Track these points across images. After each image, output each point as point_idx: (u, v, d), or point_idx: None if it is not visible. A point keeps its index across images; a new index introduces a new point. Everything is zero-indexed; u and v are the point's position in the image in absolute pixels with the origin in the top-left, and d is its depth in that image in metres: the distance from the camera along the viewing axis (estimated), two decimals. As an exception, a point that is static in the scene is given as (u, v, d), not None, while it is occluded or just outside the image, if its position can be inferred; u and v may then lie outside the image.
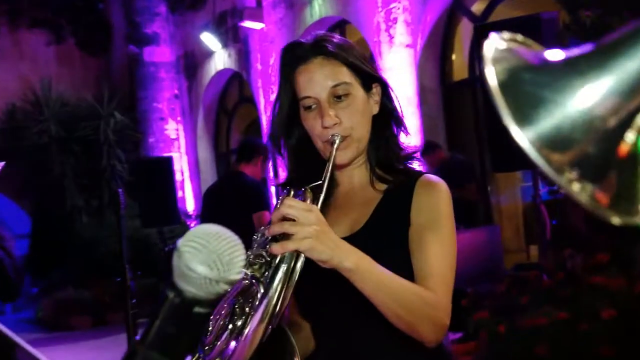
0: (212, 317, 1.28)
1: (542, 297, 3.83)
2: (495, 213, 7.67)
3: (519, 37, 0.68)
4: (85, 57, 12.21)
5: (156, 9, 11.42)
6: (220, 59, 10.75)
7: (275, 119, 1.60)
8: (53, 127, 10.73)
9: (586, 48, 0.63)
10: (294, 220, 1.26)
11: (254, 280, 1.29)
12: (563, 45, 4.33)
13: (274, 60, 9.53)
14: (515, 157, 4.19)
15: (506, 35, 0.67)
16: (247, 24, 9.61)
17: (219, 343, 1.27)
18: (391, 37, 7.60)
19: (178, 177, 10.55)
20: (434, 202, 1.48)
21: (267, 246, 1.30)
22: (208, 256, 0.83)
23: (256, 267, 1.28)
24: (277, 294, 1.26)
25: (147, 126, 11.29)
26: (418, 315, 1.33)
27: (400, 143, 1.60)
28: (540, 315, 3.60)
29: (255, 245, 1.32)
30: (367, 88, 1.56)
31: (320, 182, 1.41)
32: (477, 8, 7.33)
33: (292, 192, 1.38)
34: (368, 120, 1.56)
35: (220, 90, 11.35)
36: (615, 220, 0.59)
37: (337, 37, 1.58)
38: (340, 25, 8.90)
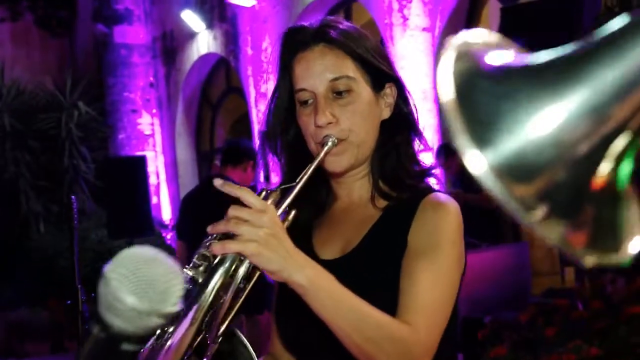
0: None
1: (572, 329, 3.87)
2: (523, 228, 7.70)
3: (495, 36, 0.65)
4: (45, 38, 12.24)
5: (129, -18, 11.44)
6: (204, 41, 10.78)
7: (271, 113, 1.62)
8: (7, 119, 10.76)
9: (556, 52, 0.60)
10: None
11: (192, 284, 1.30)
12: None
13: (267, 44, 9.58)
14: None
15: (477, 34, 0.65)
16: (236, 0, 9.66)
17: (142, 350, 1.27)
18: (405, 18, 7.67)
19: (152, 180, 10.54)
20: (437, 225, 1.48)
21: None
22: (138, 285, 0.83)
23: (201, 269, 1.30)
24: (210, 298, 1.26)
25: (117, 120, 11.26)
26: (382, 350, 1.33)
27: (416, 155, 1.60)
28: (569, 351, 3.64)
29: (202, 246, 1.33)
30: (378, 87, 1.58)
31: (294, 184, 1.42)
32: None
33: (263, 193, 1.41)
34: (373, 125, 1.57)
35: (204, 79, 11.37)
36: (589, 260, 0.59)
37: (346, 24, 1.60)
38: (345, 4, 8.96)
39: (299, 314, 1.43)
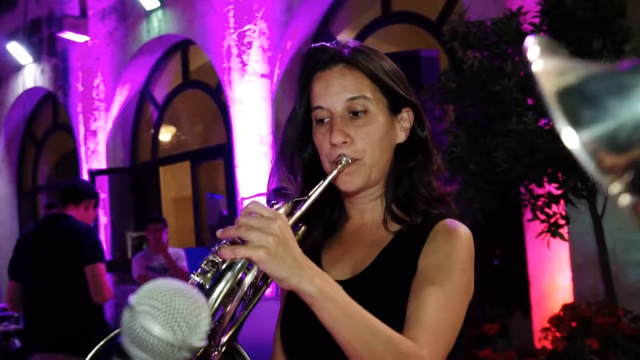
0: None
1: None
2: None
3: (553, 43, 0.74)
4: None
5: (-51, 9, 10.86)
6: (31, 74, 10.32)
7: (288, 131, 1.61)
8: None
9: None
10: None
11: (200, 290, 1.27)
12: (445, 86, 4.51)
13: (99, 81, 9.26)
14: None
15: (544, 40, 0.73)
16: (68, 35, 9.33)
17: None
18: (244, 64, 7.62)
19: (-32, 217, 9.95)
20: (448, 250, 1.47)
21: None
22: (172, 317, 0.80)
23: (209, 275, 1.27)
24: (216, 304, 1.23)
25: None
26: None
27: (430, 181, 1.58)
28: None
29: (211, 251, 1.30)
30: (394, 110, 1.57)
31: (305, 197, 1.42)
32: (343, 38, 7.51)
33: (274, 205, 1.40)
34: (387, 148, 1.56)
35: (29, 113, 10.90)
36: None
37: (367, 46, 1.60)
38: (182, 46, 8.84)
39: (306, 329, 1.40)
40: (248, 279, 1.28)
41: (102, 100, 9.23)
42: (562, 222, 3.88)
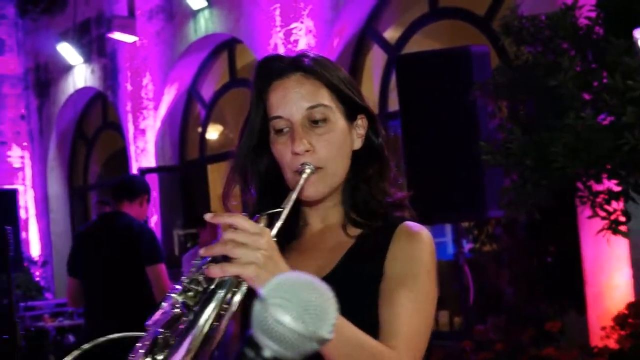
0: (131, 354, 1.25)
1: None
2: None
3: None
4: None
5: (1, 11, 10.98)
6: (81, 75, 10.39)
7: (243, 142, 1.59)
8: None
9: None
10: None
11: (184, 309, 1.26)
12: (497, 82, 4.41)
13: (147, 80, 9.28)
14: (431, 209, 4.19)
15: None
16: (116, 35, 9.36)
17: None
18: (291, 62, 7.57)
19: (22, 214, 10.09)
20: (413, 253, 1.49)
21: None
22: (304, 309, 0.83)
23: (190, 294, 1.26)
24: (207, 324, 1.21)
25: (-15, 152, 10.79)
26: None
27: (387, 188, 1.60)
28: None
29: (194, 268, 1.28)
30: (351, 118, 1.57)
31: (280, 209, 1.40)
32: (390, 35, 7.44)
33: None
34: (346, 155, 1.56)
35: (79, 113, 10.98)
36: None
37: (322, 56, 1.60)
38: (229, 45, 8.82)
39: None
40: (237, 299, 1.25)
41: (150, 99, 9.26)
42: (622, 219, 3.77)
